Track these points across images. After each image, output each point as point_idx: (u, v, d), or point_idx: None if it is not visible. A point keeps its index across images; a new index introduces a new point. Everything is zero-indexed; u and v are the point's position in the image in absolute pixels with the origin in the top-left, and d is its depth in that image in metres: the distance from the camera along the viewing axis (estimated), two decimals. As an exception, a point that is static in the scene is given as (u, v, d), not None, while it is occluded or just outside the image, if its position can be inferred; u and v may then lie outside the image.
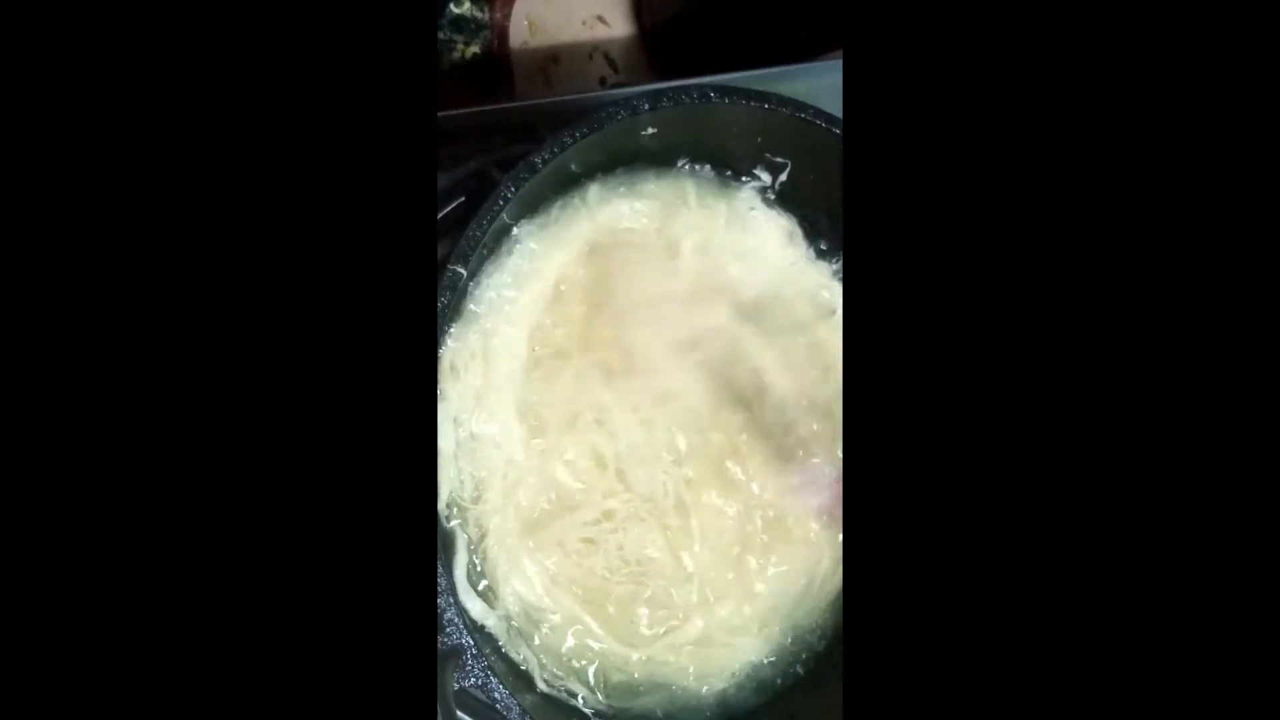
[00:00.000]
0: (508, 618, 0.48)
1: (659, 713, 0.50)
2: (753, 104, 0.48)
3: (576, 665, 0.49)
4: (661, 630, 0.49)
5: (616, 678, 0.49)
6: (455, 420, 0.48)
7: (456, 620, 0.43)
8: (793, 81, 0.58)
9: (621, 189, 0.53)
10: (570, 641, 0.49)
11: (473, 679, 0.42)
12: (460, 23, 0.73)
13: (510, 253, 0.51)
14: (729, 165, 0.55)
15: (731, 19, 0.70)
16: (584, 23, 0.75)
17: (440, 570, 0.43)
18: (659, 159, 0.54)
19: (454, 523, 0.48)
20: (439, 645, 0.42)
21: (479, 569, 0.48)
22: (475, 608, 0.47)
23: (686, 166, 0.55)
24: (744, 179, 0.55)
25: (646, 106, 0.47)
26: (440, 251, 0.48)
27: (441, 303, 0.45)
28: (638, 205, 0.53)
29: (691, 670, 0.50)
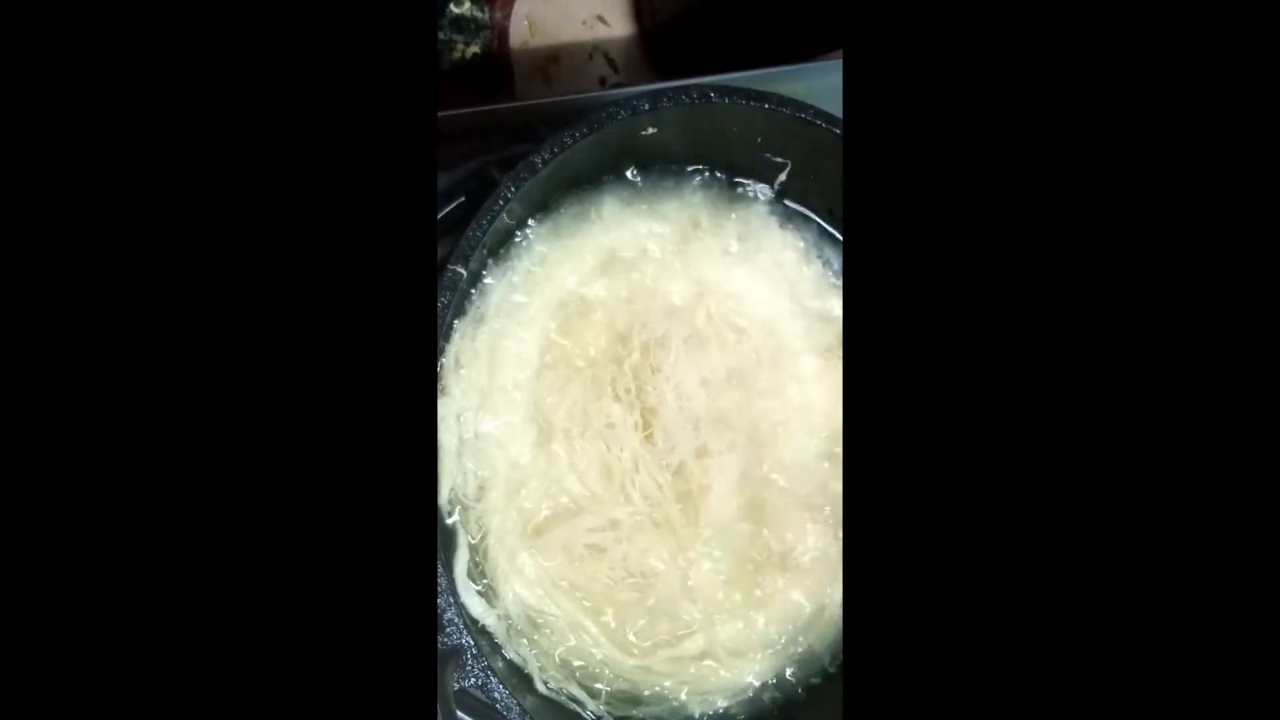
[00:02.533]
0: (507, 617, 0.48)
1: None
2: (753, 104, 0.48)
3: (576, 669, 0.49)
4: (662, 642, 0.49)
5: (617, 685, 0.49)
6: (459, 417, 0.48)
7: (456, 620, 0.43)
8: (793, 81, 0.58)
9: (638, 204, 0.53)
10: (570, 644, 0.49)
11: (473, 679, 0.42)
12: (460, 23, 0.73)
13: (520, 255, 0.51)
14: (730, 166, 0.55)
15: (731, 19, 0.70)
16: (584, 23, 0.75)
17: (440, 569, 0.43)
18: (672, 164, 0.54)
19: (455, 519, 0.48)
20: (439, 645, 0.42)
21: (479, 567, 0.48)
22: (474, 605, 0.47)
23: (700, 177, 0.54)
24: (752, 192, 0.55)
25: (646, 106, 0.47)
26: (440, 251, 0.48)
27: (441, 302, 0.45)
28: (655, 227, 0.53)
29: (690, 686, 0.50)
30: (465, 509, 0.49)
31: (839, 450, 0.52)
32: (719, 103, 0.48)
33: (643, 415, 0.50)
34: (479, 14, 0.73)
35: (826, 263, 0.55)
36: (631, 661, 0.49)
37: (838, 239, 0.55)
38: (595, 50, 0.75)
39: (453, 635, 0.43)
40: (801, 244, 0.55)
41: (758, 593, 0.50)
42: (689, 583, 0.50)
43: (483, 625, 0.47)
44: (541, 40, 0.75)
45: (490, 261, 0.50)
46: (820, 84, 0.59)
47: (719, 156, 0.54)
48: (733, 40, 0.70)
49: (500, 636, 0.48)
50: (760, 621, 0.50)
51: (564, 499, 0.49)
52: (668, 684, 0.49)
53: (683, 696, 0.50)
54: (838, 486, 0.51)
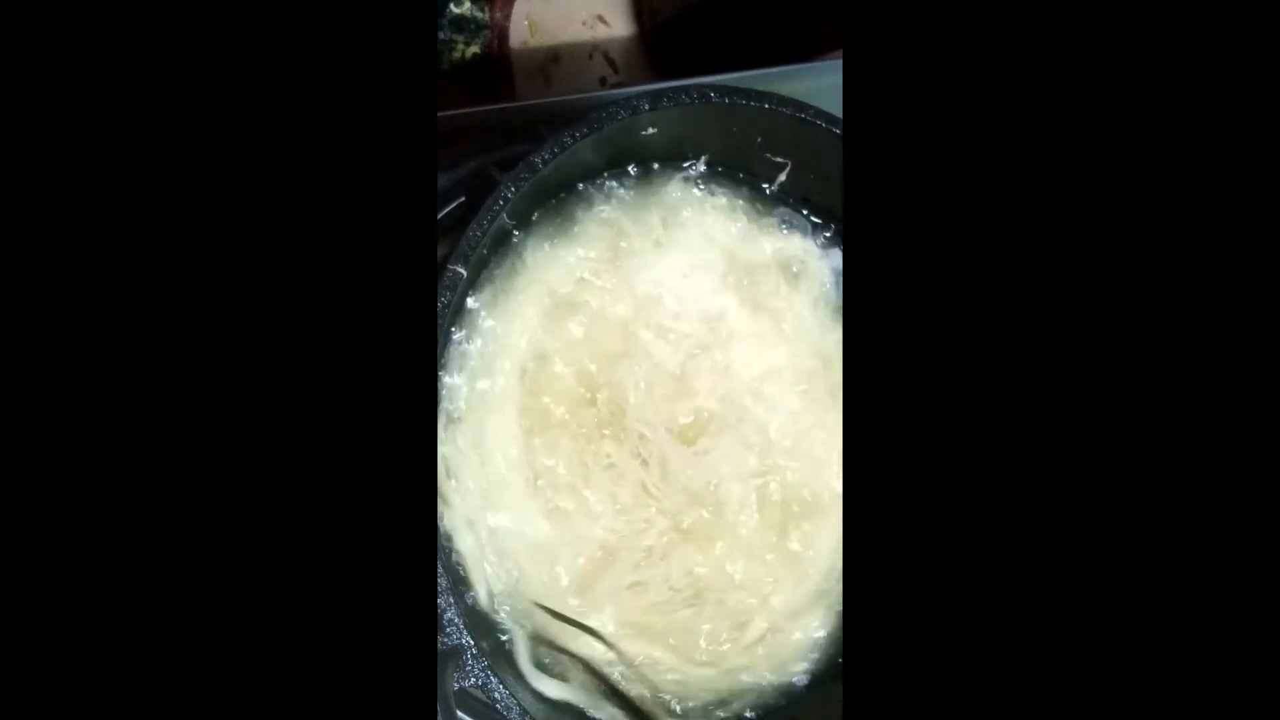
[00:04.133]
0: (585, 685, 0.49)
1: (750, 714, 0.50)
2: (753, 104, 0.48)
3: (662, 700, 0.49)
4: (728, 639, 0.50)
5: (703, 697, 0.50)
6: (470, 523, 0.48)
7: (457, 620, 0.43)
8: (793, 81, 0.58)
9: (556, 238, 0.52)
10: (650, 680, 0.49)
11: (473, 679, 0.42)
12: (460, 23, 0.73)
13: (473, 338, 0.50)
14: (735, 167, 0.55)
15: (731, 19, 0.70)
16: (584, 23, 0.75)
17: (503, 670, 0.43)
18: (582, 183, 0.53)
19: (504, 616, 0.49)
20: (439, 645, 0.42)
21: (542, 650, 0.49)
22: (551, 689, 0.48)
23: (606, 184, 0.53)
24: (667, 172, 0.54)
25: (646, 106, 0.47)
26: (440, 251, 0.48)
27: (441, 302, 0.45)
28: (580, 252, 0.52)
29: (768, 664, 0.50)
30: (509, 603, 0.49)
31: (802, 387, 0.52)
32: (719, 102, 0.48)
33: (636, 439, 0.50)
34: (479, 14, 0.73)
35: (748, 208, 0.54)
36: (708, 671, 0.50)
37: (760, 186, 0.55)
38: (595, 50, 0.75)
39: (453, 635, 0.42)
40: (724, 201, 0.54)
41: (794, 547, 0.51)
42: (733, 573, 0.50)
43: (566, 702, 0.48)
44: (541, 40, 0.75)
45: (445, 358, 0.50)
46: (820, 84, 0.59)
47: (720, 158, 0.54)
48: (733, 40, 0.70)
49: (584, 704, 0.48)
50: (805, 575, 0.51)
51: (595, 551, 0.49)
52: (746, 676, 0.50)
53: (766, 678, 0.50)
54: (822, 416, 0.52)
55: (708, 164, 0.54)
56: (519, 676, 0.47)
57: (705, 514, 0.50)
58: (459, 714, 0.42)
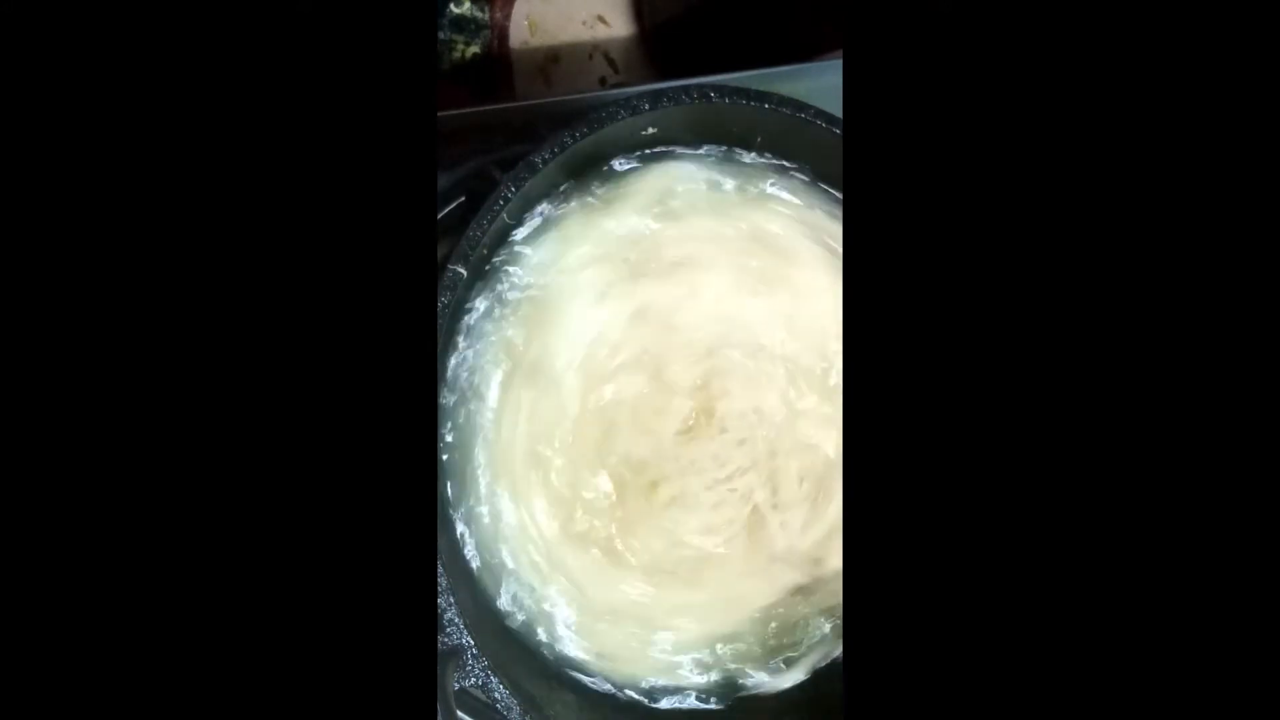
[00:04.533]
0: (815, 647, 0.51)
1: None
2: (753, 104, 0.48)
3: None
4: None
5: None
6: (657, 666, 0.50)
7: (457, 620, 0.43)
8: (793, 81, 0.58)
9: (480, 407, 0.50)
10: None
11: (473, 679, 0.42)
12: (460, 23, 0.73)
13: (481, 498, 0.49)
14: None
15: (732, 19, 0.70)
16: (584, 23, 0.75)
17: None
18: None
19: (730, 664, 0.51)
20: (439, 645, 0.42)
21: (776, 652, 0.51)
22: (791, 678, 0.50)
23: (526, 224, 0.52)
24: (588, 171, 0.52)
25: (646, 106, 0.47)
26: (440, 251, 0.48)
27: (441, 302, 0.45)
28: (517, 400, 0.49)
29: None
30: (734, 649, 0.51)
31: (742, 286, 0.51)
32: (719, 102, 0.48)
33: (680, 468, 0.50)
34: (479, 14, 0.73)
35: (600, 195, 0.52)
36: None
37: (600, 165, 0.53)
38: (595, 50, 0.75)
39: (453, 635, 0.42)
40: (574, 204, 0.52)
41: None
42: (830, 450, 0.51)
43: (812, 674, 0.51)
44: (541, 40, 0.75)
45: (458, 520, 0.50)
46: (820, 84, 0.59)
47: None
48: (733, 40, 0.70)
49: (832, 652, 0.51)
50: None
51: (745, 545, 0.51)
52: None
53: None
54: (775, 287, 0.52)
55: (554, 182, 0.52)
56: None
57: (773, 430, 0.51)
58: (459, 714, 0.42)
